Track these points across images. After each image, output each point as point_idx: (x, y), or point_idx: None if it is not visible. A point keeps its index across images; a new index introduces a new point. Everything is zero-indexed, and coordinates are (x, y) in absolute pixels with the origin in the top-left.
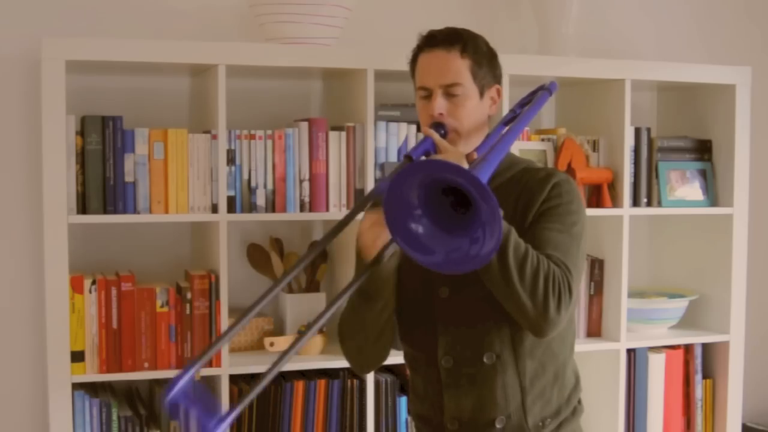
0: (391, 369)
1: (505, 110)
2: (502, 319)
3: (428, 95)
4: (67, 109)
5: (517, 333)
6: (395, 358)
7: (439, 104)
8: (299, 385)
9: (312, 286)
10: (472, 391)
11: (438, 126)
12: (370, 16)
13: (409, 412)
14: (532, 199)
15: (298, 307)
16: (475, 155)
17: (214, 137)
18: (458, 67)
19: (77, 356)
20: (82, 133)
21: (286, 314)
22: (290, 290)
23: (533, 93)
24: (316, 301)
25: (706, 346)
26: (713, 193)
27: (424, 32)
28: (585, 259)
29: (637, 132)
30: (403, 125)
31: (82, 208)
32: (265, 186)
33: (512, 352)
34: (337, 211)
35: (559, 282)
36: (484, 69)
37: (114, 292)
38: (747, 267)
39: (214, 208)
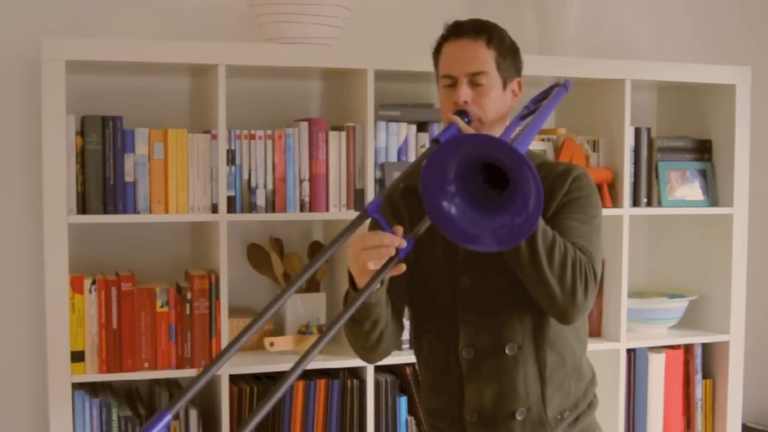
0: (391, 369)
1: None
2: (525, 309)
3: (452, 84)
4: (67, 109)
5: (539, 323)
6: (396, 358)
7: (464, 92)
8: (299, 385)
9: (312, 286)
10: (494, 383)
11: (461, 114)
12: (370, 16)
13: (406, 411)
14: (554, 192)
15: (298, 307)
16: None
17: (214, 137)
18: (484, 56)
19: (77, 356)
20: (82, 133)
21: (286, 314)
22: None
23: (548, 90)
24: (317, 301)
25: (706, 346)
26: (713, 193)
27: (449, 22)
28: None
29: (637, 132)
30: (403, 125)
31: (82, 208)
32: (265, 186)
33: (534, 342)
34: (337, 211)
35: (586, 268)
36: (508, 61)
37: (114, 292)
38: (747, 267)
39: (214, 208)
